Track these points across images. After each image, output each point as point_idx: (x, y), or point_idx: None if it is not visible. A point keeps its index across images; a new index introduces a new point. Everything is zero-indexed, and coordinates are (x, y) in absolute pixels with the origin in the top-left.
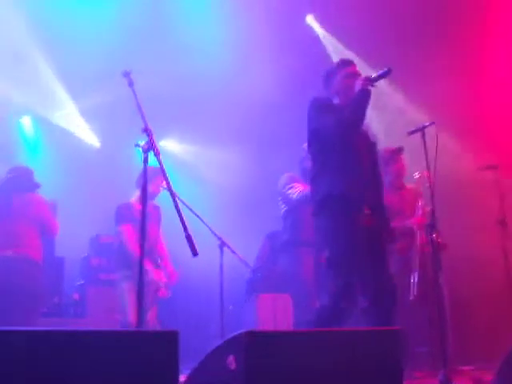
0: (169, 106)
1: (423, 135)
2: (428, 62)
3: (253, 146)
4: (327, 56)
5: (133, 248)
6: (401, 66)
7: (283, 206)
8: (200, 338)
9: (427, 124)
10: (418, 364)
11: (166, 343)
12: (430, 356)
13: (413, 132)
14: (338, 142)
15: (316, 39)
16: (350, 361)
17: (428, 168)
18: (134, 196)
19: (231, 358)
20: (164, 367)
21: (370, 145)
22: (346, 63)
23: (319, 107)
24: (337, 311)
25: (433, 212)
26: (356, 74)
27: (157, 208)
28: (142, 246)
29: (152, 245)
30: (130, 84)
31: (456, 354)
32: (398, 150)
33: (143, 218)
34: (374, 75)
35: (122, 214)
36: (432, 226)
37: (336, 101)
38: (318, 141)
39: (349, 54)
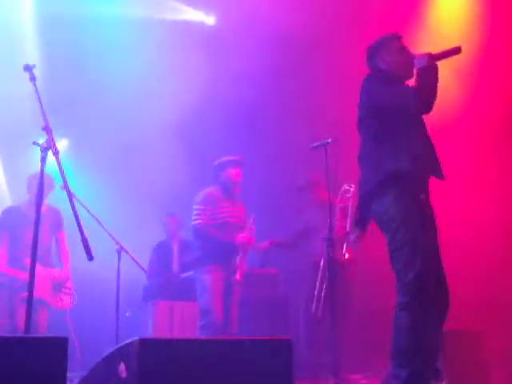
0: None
1: (326, 151)
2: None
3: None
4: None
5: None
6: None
7: (195, 217)
8: (93, 345)
9: (329, 140)
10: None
11: (54, 349)
12: (319, 365)
13: (315, 147)
14: (410, 117)
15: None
16: (242, 369)
17: (328, 183)
18: (24, 199)
19: (122, 366)
20: (51, 374)
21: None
22: (397, 36)
23: (385, 80)
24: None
25: (330, 226)
26: (407, 48)
27: (55, 212)
28: (33, 251)
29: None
30: (32, 79)
31: (346, 363)
32: (313, 183)
33: (37, 221)
34: (438, 52)
35: (1, 219)
36: (330, 240)
37: (388, 72)
38: (388, 113)
39: None
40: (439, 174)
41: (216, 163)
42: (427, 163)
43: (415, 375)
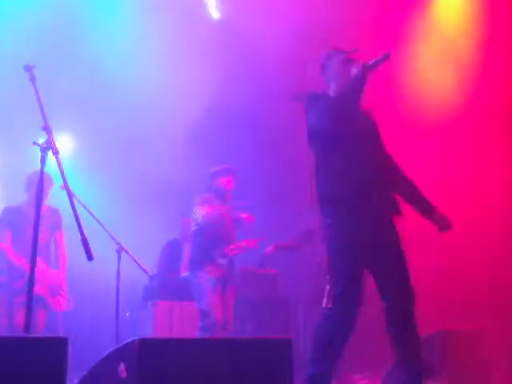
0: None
1: None
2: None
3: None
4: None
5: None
6: None
7: (193, 225)
8: (93, 345)
9: None
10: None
11: (54, 349)
12: None
13: None
14: (335, 133)
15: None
16: (242, 369)
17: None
18: (24, 199)
19: (122, 366)
20: (51, 375)
21: (371, 128)
22: (343, 50)
23: (315, 101)
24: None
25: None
26: (353, 61)
27: (54, 212)
28: (33, 250)
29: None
30: (32, 79)
31: (346, 364)
32: None
33: (37, 221)
34: (370, 62)
35: (3, 218)
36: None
37: (331, 89)
38: (317, 137)
39: None
40: (374, 199)
41: (209, 172)
42: (363, 186)
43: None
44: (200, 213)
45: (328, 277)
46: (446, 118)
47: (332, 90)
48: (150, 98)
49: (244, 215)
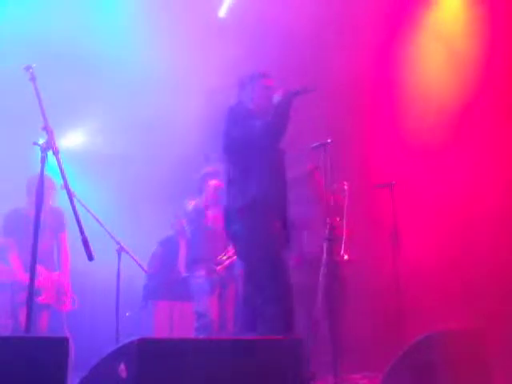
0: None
1: (325, 151)
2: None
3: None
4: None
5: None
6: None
7: (187, 227)
8: (93, 345)
9: (329, 140)
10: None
11: (54, 349)
12: (319, 365)
13: (315, 147)
14: (263, 149)
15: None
16: (247, 369)
17: (326, 183)
18: (25, 202)
19: (122, 366)
20: (52, 374)
21: (282, 155)
22: (265, 75)
23: (238, 115)
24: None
25: (331, 226)
26: (272, 88)
27: (57, 213)
28: (33, 252)
29: (44, 253)
30: (32, 79)
31: (346, 364)
32: (315, 168)
33: (37, 223)
34: (295, 90)
35: (6, 225)
36: (330, 240)
37: (251, 108)
38: (241, 147)
39: None
40: (283, 211)
41: (199, 175)
42: (277, 197)
43: None
44: (188, 207)
45: None
46: (446, 118)
47: (251, 108)
48: (150, 98)
49: None
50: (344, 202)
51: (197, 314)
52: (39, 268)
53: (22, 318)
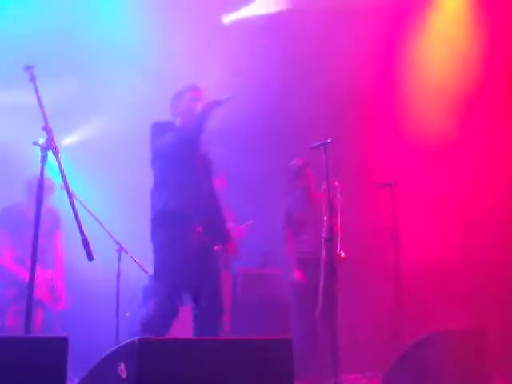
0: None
1: (325, 150)
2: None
3: None
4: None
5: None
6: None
7: None
8: (93, 345)
9: (329, 140)
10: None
11: (54, 349)
12: (315, 366)
13: (315, 147)
14: (176, 159)
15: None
16: (242, 369)
17: (328, 183)
18: (22, 199)
19: (122, 366)
20: (51, 374)
21: (207, 165)
22: (192, 87)
23: (160, 129)
24: (161, 319)
25: (330, 225)
26: (200, 98)
27: (53, 213)
28: (33, 251)
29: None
30: (32, 79)
31: (346, 363)
32: (305, 165)
33: (37, 222)
34: (218, 99)
35: (2, 219)
36: (329, 239)
37: (178, 122)
38: (159, 159)
39: None
40: (201, 221)
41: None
42: (191, 208)
43: None
44: None
45: None
46: (446, 118)
47: (178, 124)
48: (150, 99)
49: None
50: (337, 199)
51: None
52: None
53: (9, 316)
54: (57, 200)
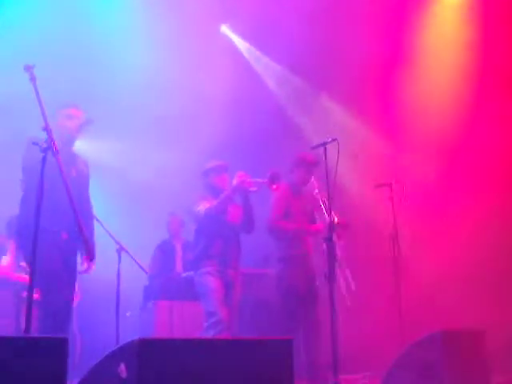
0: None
1: (325, 150)
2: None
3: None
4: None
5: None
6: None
7: (194, 224)
8: (93, 345)
9: (329, 140)
10: (311, 373)
11: (54, 349)
12: (310, 366)
13: (315, 147)
14: (30, 165)
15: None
16: (242, 369)
17: (328, 183)
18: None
19: (122, 367)
20: (51, 375)
21: (77, 174)
22: (68, 105)
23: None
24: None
25: (331, 225)
26: (75, 116)
27: None
28: (33, 251)
29: None
30: (32, 79)
31: (346, 363)
32: (314, 164)
33: (37, 223)
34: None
35: (10, 228)
36: (330, 239)
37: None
38: (24, 172)
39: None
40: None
41: (202, 170)
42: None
43: None
44: (199, 208)
45: None
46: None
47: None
48: (149, 100)
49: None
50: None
51: (206, 314)
52: None
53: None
54: None
